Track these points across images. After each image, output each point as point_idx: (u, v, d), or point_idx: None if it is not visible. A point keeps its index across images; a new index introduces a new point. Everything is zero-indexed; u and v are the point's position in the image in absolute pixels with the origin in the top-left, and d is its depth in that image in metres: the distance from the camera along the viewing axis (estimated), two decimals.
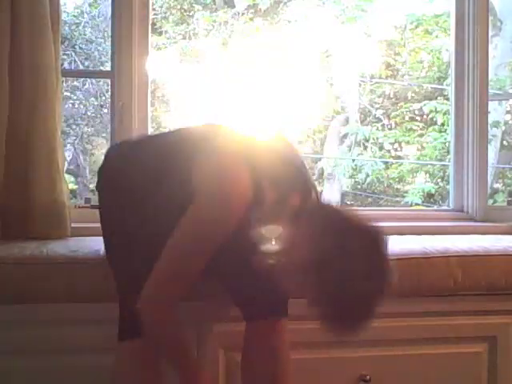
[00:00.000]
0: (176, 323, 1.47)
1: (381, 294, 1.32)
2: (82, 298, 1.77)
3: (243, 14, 6.16)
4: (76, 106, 5.88)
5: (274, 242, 1.35)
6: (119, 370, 1.57)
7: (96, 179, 1.76)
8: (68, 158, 5.89)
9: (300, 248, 1.30)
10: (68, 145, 5.90)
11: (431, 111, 6.15)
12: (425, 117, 6.43)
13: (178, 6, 6.36)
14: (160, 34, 6.13)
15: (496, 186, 5.90)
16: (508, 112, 6.15)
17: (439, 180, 6.44)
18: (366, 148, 6.47)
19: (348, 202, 6.71)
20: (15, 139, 2.11)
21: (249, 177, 1.36)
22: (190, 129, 1.67)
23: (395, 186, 6.68)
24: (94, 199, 2.24)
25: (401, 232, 2.41)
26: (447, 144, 5.83)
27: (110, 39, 2.49)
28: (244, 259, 1.42)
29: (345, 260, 1.26)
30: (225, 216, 1.35)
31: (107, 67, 2.52)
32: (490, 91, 2.74)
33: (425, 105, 6.21)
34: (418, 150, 6.64)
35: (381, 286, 1.32)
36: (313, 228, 1.32)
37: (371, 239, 1.34)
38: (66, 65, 5.16)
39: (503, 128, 5.96)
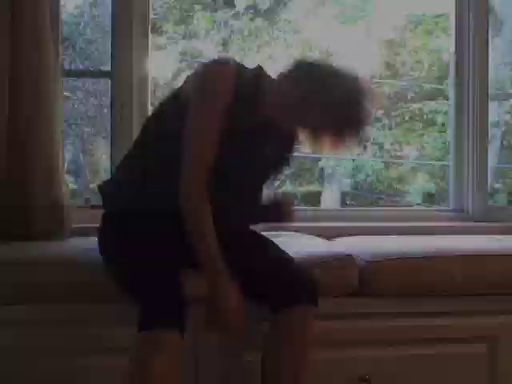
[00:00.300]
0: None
1: (366, 90, 1.63)
2: (82, 298, 1.77)
3: (243, 14, 6.16)
4: (76, 106, 5.87)
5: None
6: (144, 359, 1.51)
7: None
8: (68, 158, 5.88)
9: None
10: (68, 145, 5.89)
11: (431, 111, 6.14)
12: (425, 117, 6.43)
13: (178, 6, 6.36)
14: (160, 34, 6.13)
15: (496, 186, 5.90)
16: (508, 112, 6.14)
17: (439, 180, 6.44)
18: (365, 148, 6.46)
19: (348, 202, 6.71)
20: (15, 139, 2.11)
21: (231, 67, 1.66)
22: None
23: (395, 186, 6.68)
24: (94, 199, 2.24)
25: (401, 232, 2.42)
26: (447, 144, 5.83)
27: (110, 39, 2.49)
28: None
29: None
30: (217, 87, 1.62)
31: (107, 67, 2.52)
32: (490, 91, 2.74)
33: (425, 105, 6.20)
34: (417, 150, 6.64)
35: (362, 86, 1.64)
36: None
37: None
38: (66, 65, 5.15)
39: (503, 128, 5.95)
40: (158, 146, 1.71)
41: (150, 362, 1.44)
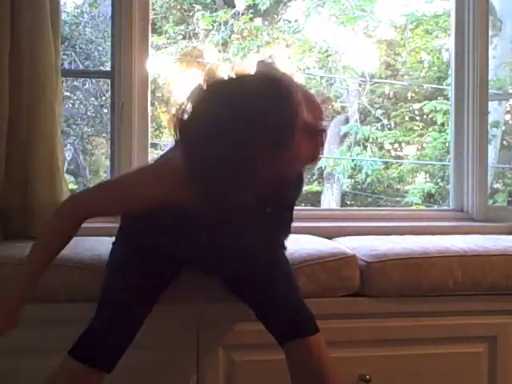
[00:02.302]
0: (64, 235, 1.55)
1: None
2: (82, 298, 1.77)
3: (243, 14, 6.16)
4: (76, 106, 5.88)
5: None
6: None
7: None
8: (68, 158, 5.89)
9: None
10: (68, 145, 5.90)
11: (431, 111, 6.15)
12: (425, 117, 6.43)
13: (178, 6, 6.36)
14: (160, 34, 6.13)
15: (496, 186, 5.90)
16: (508, 112, 6.15)
17: (439, 180, 6.45)
18: (365, 148, 6.47)
19: (348, 202, 6.71)
20: (15, 139, 2.11)
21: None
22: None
23: (395, 186, 6.68)
24: None
25: (401, 232, 2.42)
26: (447, 144, 5.83)
27: (110, 39, 2.49)
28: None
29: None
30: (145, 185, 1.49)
31: (107, 67, 2.52)
32: (490, 91, 2.74)
33: (425, 105, 6.20)
34: (417, 150, 6.64)
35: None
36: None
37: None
38: (65, 65, 5.15)
39: (503, 128, 5.95)
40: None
41: None
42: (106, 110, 5.74)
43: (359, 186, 6.65)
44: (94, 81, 5.57)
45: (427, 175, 6.54)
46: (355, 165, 6.42)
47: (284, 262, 1.73)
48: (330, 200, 6.45)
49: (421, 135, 6.43)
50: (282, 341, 1.62)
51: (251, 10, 6.18)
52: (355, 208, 5.86)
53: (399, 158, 6.73)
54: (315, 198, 6.62)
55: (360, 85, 6.55)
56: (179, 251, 1.62)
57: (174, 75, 5.86)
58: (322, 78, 6.46)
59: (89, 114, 5.94)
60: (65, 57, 5.27)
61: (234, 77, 1.37)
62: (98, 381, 1.53)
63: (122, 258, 1.68)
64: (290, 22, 6.38)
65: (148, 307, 1.61)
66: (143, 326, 1.58)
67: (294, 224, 2.40)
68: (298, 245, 2.03)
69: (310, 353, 1.60)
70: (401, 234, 2.39)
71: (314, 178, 6.77)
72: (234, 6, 6.21)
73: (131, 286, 1.59)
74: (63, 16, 3.91)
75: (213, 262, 1.66)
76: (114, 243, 1.77)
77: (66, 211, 1.55)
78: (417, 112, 6.53)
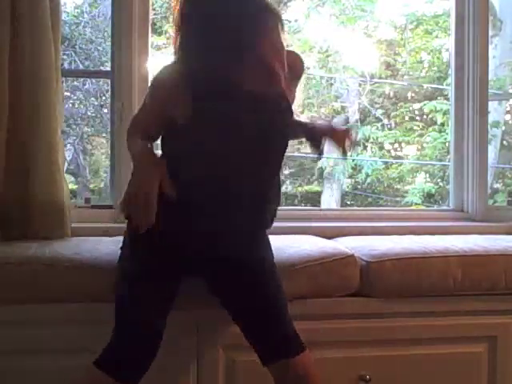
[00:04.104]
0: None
1: None
2: (82, 298, 1.77)
3: None
4: (76, 105, 5.88)
5: None
6: None
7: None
8: (68, 158, 5.88)
9: None
10: (68, 145, 5.89)
11: (431, 111, 6.15)
12: (425, 117, 6.43)
13: None
14: (160, 34, 6.13)
15: (496, 186, 5.90)
16: (508, 112, 6.15)
17: (439, 180, 6.45)
18: (365, 148, 6.47)
19: (348, 202, 6.71)
20: (15, 139, 2.11)
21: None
22: None
23: (395, 186, 6.68)
24: (94, 199, 2.24)
25: (401, 232, 2.42)
26: (447, 144, 5.83)
27: (110, 39, 2.49)
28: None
29: None
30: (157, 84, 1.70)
31: (107, 67, 2.52)
32: (490, 91, 2.74)
33: (425, 105, 6.21)
34: (417, 150, 6.64)
35: None
36: None
37: None
38: (65, 65, 5.15)
39: (503, 128, 5.95)
40: None
41: None
42: (105, 110, 5.74)
43: (359, 186, 6.65)
44: (94, 81, 5.57)
45: (427, 175, 6.54)
46: (355, 165, 6.42)
47: (271, 272, 1.70)
48: (329, 200, 6.45)
49: (421, 135, 6.43)
50: (268, 360, 1.61)
51: None
52: (355, 208, 5.86)
53: (399, 158, 6.73)
54: (315, 198, 6.62)
55: (360, 85, 6.55)
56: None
57: None
58: (321, 77, 6.46)
59: (89, 113, 5.94)
60: (65, 57, 5.27)
61: None
62: None
63: (130, 273, 1.65)
64: (289, 21, 6.38)
65: (164, 319, 1.61)
66: None
67: (294, 224, 2.43)
68: (297, 245, 2.03)
69: (297, 374, 1.59)
70: (401, 234, 2.39)
71: (314, 178, 6.77)
72: None
73: (144, 303, 1.59)
74: (63, 16, 3.90)
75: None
76: (121, 247, 1.74)
77: (128, 131, 1.75)
78: (417, 112, 6.53)
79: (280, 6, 6.39)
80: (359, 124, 6.43)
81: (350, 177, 6.53)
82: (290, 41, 6.27)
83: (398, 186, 6.66)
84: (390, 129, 6.55)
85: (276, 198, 1.70)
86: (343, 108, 6.65)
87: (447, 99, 5.78)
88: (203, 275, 1.71)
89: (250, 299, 1.65)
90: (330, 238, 2.28)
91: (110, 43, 2.48)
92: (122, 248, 1.71)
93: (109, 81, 2.48)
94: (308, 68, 6.34)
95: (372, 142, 6.46)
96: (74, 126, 5.91)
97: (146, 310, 1.59)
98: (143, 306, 1.59)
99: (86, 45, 5.69)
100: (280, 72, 1.62)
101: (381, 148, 6.60)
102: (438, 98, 6.35)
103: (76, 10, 5.84)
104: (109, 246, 1.90)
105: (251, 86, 1.57)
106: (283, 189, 6.75)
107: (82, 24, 5.75)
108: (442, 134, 6.15)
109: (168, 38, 6.16)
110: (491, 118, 4.80)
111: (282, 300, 1.67)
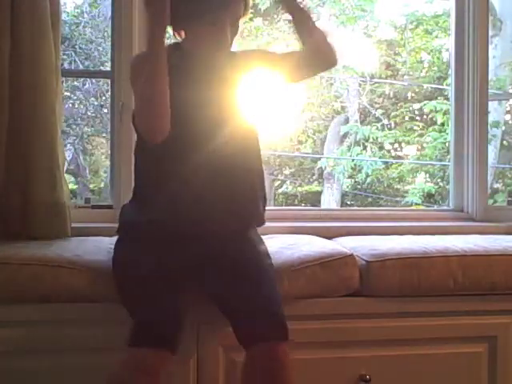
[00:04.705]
0: None
1: None
2: (82, 298, 1.77)
3: None
4: (76, 105, 5.87)
5: None
6: (122, 376, 1.53)
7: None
8: (68, 158, 5.88)
9: None
10: (68, 145, 5.89)
11: (431, 111, 6.14)
12: (425, 117, 6.43)
13: None
14: None
15: (496, 186, 5.90)
16: (508, 112, 6.14)
17: (439, 180, 6.44)
18: (365, 148, 6.46)
19: (348, 202, 6.71)
20: (15, 139, 2.11)
21: None
22: None
23: (395, 186, 6.68)
24: (94, 199, 2.24)
25: (401, 232, 2.42)
26: (447, 144, 5.83)
27: (109, 39, 2.49)
28: None
29: None
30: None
31: (107, 67, 2.52)
32: (490, 91, 2.74)
33: (425, 105, 6.20)
34: (417, 150, 6.64)
35: None
36: None
37: None
38: (65, 65, 5.15)
39: (503, 128, 5.95)
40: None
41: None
42: (105, 110, 5.74)
43: (359, 186, 6.64)
44: (94, 81, 5.56)
45: (427, 175, 6.54)
46: (355, 165, 6.41)
47: (265, 264, 1.72)
48: (329, 200, 6.45)
49: (421, 135, 6.43)
50: (251, 342, 1.59)
51: (251, 10, 6.17)
52: (355, 208, 5.86)
53: (399, 157, 6.73)
54: (315, 198, 6.62)
55: (360, 85, 6.54)
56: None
57: None
58: (321, 77, 6.45)
59: (89, 114, 5.93)
60: (65, 57, 5.26)
61: None
62: (165, 364, 1.52)
63: (128, 261, 1.69)
64: (290, 21, 6.37)
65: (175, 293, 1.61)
66: None
67: (294, 224, 2.43)
68: (297, 245, 2.03)
69: (277, 359, 1.57)
70: (401, 234, 2.39)
71: (314, 178, 6.77)
72: None
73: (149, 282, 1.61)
74: (63, 16, 3.90)
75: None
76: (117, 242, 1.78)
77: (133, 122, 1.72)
78: (417, 112, 6.52)
79: (280, 5, 6.38)
80: (359, 124, 6.43)
81: (350, 177, 6.52)
82: (290, 41, 6.28)
83: (398, 186, 6.66)
84: (389, 129, 6.55)
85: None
86: (343, 108, 6.65)
87: (447, 99, 5.78)
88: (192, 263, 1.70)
89: (237, 279, 1.66)
90: (329, 238, 2.28)
91: (109, 43, 2.48)
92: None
93: (109, 81, 2.49)
94: None
95: (372, 142, 6.45)
96: (73, 126, 5.91)
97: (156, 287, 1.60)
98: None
99: (86, 45, 5.68)
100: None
101: (381, 148, 6.59)
102: (438, 98, 6.34)
103: (76, 10, 5.83)
104: (108, 247, 1.90)
105: None
106: (283, 189, 6.75)
107: (82, 24, 5.75)
108: (442, 134, 6.14)
109: (168, 38, 6.16)
110: (491, 118, 4.81)
111: (271, 281, 1.68)
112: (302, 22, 1.85)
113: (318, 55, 1.81)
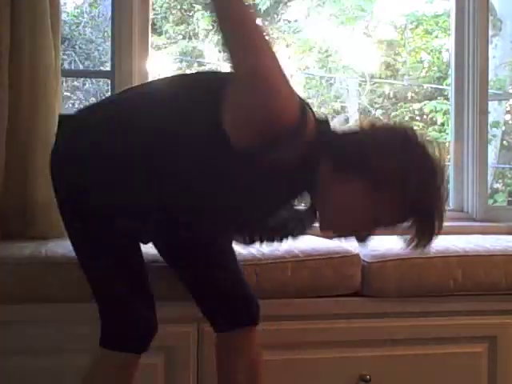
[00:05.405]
0: None
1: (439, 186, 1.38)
2: (82, 298, 1.76)
3: None
4: (76, 106, 5.87)
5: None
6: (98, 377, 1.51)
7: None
8: None
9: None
10: None
11: (431, 111, 6.14)
12: (425, 117, 6.43)
13: (178, 6, 6.36)
14: (160, 34, 6.13)
15: (496, 186, 5.90)
16: (508, 112, 6.15)
17: None
18: None
19: None
20: (15, 139, 2.11)
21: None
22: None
23: None
24: None
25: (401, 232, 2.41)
26: (447, 144, 5.82)
27: (110, 39, 2.49)
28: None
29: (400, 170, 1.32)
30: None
31: (107, 67, 2.52)
32: (490, 91, 2.74)
33: (425, 105, 6.20)
34: None
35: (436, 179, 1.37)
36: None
37: (401, 137, 1.37)
38: (65, 65, 5.15)
39: (503, 128, 5.95)
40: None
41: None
42: None
43: None
44: (94, 81, 5.57)
45: None
46: None
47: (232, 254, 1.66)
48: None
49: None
50: (229, 327, 1.60)
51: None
52: None
53: None
54: None
55: (360, 85, 6.54)
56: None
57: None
58: (321, 77, 6.46)
59: None
60: (65, 57, 5.26)
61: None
62: (135, 366, 1.48)
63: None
64: (289, 21, 6.38)
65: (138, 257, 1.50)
66: None
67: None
68: (302, 241, 2.02)
69: (252, 344, 1.60)
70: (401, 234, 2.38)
71: None
72: None
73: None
74: (63, 16, 3.90)
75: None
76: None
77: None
78: (417, 112, 6.52)
79: (280, 5, 6.39)
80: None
81: None
82: (290, 41, 6.28)
83: None
84: None
85: None
86: (343, 108, 6.64)
87: (447, 99, 5.77)
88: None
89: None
90: (330, 238, 2.28)
91: (110, 43, 2.48)
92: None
93: (109, 81, 2.48)
94: (308, 68, 6.35)
95: None
96: None
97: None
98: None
99: (86, 45, 5.68)
100: None
101: None
102: (438, 98, 6.34)
103: (76, 10, 5.84)
104: None
105: None
106: None
107: (82, 24, 5.75)
108: (442, 134, 6.14)
109: (168, 38, 6.17)
110: (491, 118, 4.81)
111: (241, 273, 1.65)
112: None
113: None
